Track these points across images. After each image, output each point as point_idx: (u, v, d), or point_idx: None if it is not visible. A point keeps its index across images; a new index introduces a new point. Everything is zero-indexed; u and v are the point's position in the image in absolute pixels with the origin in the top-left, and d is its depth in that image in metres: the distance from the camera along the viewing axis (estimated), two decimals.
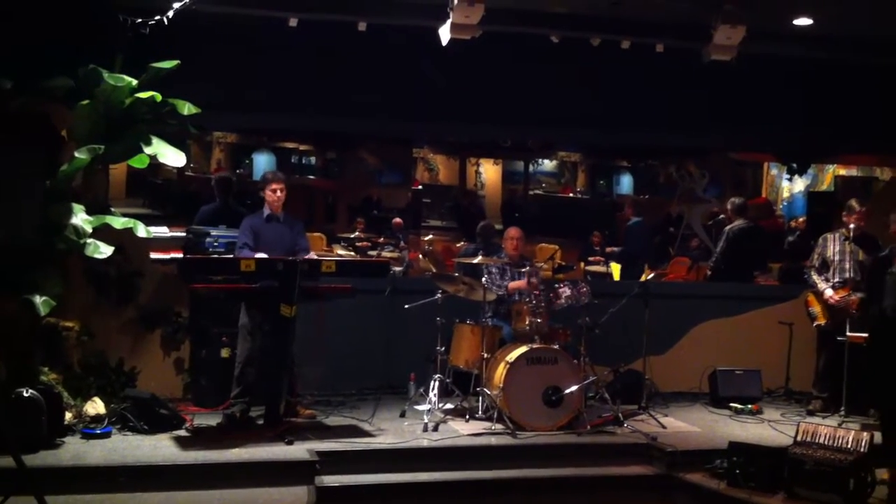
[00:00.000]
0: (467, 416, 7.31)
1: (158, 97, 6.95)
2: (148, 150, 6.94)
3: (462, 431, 7.04)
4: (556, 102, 9.33)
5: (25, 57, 7.06)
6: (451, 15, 7.59)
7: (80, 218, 6.72)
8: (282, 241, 7.10)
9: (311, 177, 21.54)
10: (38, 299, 6.43)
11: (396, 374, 8.00)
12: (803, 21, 8.44)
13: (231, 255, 7.13)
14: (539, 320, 7.43)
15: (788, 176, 17.39)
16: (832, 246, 8.19)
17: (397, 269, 10.73)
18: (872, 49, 9.05)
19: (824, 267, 8.20)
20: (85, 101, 6.87)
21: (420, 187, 22.69)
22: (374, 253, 11.83)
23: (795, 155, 14.01)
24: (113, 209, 7.54)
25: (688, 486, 6.56)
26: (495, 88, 9.11)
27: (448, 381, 7.57)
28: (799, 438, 6.47)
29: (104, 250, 6.73)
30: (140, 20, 7.36)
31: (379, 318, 8.01)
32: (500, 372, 7.21)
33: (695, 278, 11.96)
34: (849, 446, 6.23)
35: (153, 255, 7.75)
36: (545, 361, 7.25)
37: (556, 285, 7.79)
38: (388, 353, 7.99)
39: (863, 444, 6.23)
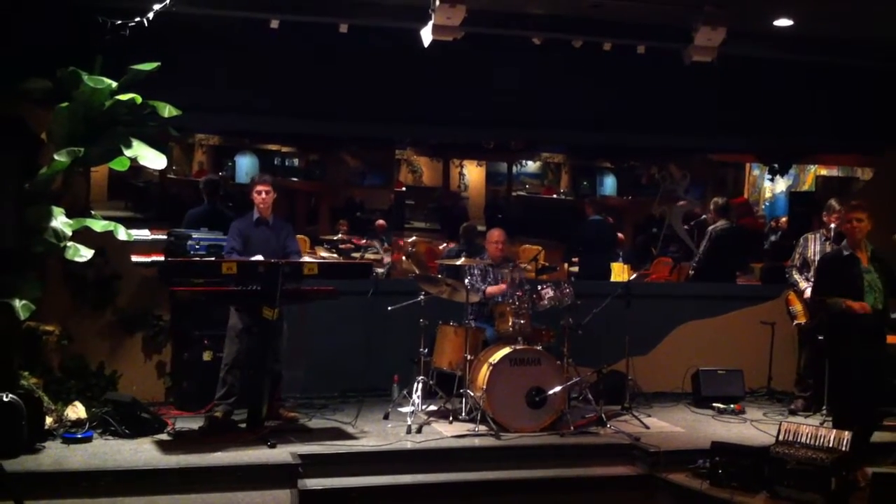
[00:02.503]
0: (451, 418, 7.31)
1: (139, 99, 6.90)
2: (128, 153, 6.88)
3: (445, 433, 7.03)
4: (538, 104, 9.32)
5: (3, 59, 7.00)
6: (432, 16, 7.57)
7: (60, 221, 6.67)
8: (268, 246, 7.07)
9: (294, 178, 21.43)
10: (17, 303, 6.38)
11: (379, 376, 7.98)
12: (783, 22, 8.47)
13: (213, 258, 7.09)
14: (522, 321, 7.43)
15: (770, 176, 17.45)
16: (813, 246, 8.23)
17: (380, 270, 10.71)
18: (852, 50, 9.11)
19: (805, 266, 8.24)
20: (64, 104, 6.82)
21: (403, 189, 22.63)
22: (357, 255, 11.80)
23: (776, 156, 14.06)
24: (94, 212, 7.50)
25: (671, 486, 6.59)
26: (478, 90, 9.11)
27: (431, 382, 7.57)
28: (781, 438, 6.51)
29: (84, 253, 6.68)
30: (120, 22, 7.30)
31: (362, 320, 7.99)
32: (484, 373, 7.21)
33: (677, 279, 12.00)
34: (830, 445, 6.27)
35: (134, 258, 7.72)
36: (528, 363, 7.26)
37: (539, 286, 7.80)
38: (371, 355, 7.97)
39: (844, 443, 6.27)
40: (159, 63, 6.97)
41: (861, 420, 6.63)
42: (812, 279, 8.08)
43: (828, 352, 7.30)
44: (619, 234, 12.84)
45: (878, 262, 6.68)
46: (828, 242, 8.13)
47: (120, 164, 7.09)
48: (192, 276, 6.83)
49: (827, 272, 6.91)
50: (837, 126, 10.04)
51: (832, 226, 8.09)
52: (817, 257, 8.13)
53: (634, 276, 9.32)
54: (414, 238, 13.41)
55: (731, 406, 8.20)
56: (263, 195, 7.17)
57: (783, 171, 15.87)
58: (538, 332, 7.57)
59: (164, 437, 6.72)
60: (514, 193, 25.29)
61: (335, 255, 11.72)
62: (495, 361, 7.18)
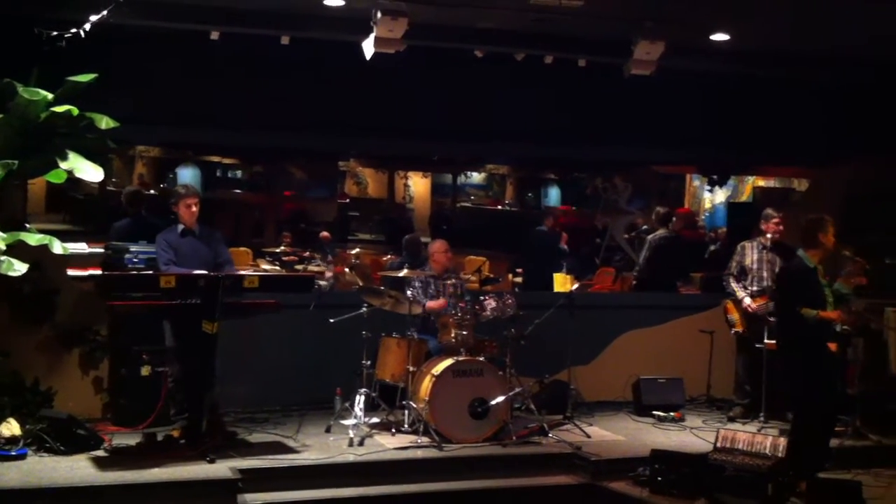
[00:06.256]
0: (393, 430, 7.30)
1: (75, 111, 6.80)
2: (64, 165, 6.77)
3: (388, 445, 7.02)
4: (482, 116, 9.39)
5: None
6: (374, 29, 7.59)
7: None
8: (199, 256, 7.01)
9: (238, 190, 21.31)
10: None
11: (322, 388, 7.92)
12: (720, 37, 8.64)
13: (151, 272, 7.00)
14: (465, 333, 7.45)
15: (709, 188, 17.81)
16: (750, 254, 8.36)
17: (323, 283, 10.66)
18: (787, 64, 9.32)
19: (742, 275, 8.37)
20: None
21: (347, 201, 22.61)
22: (300, 267, 11.75)
23: (715, 167, 14.33)
24: (30, 225, 7.36)
25: (612, 495, 6.65)
26: (422, 103, 9.14)
27: (374, 394, 7.54)
28: (718, 445, 6.63)
29: (18, 268, 6.54)
30: (56, 33, 7.19)
31: (304, 333, 7.96)
32: (427, 385, 7.22)
33: (620, 288, 12.13)
34: (766, 452, 6.41)
35: (71, 272, 7.58)
36: (471, 374, 7.28)
37: (482, 297, 7.83)
38: (313, 367, 7.94)
39: (780, 449, 6.40)
40: (96, 74, 6.89)
41: (821, 429, 6.75)
42: (750, 287, 8.24)
43: (787, 363, 7.29)
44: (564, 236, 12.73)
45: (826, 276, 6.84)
46: (765, 251, 8.29)
47: (56, 177, 6.97)
48: (130, 290, 6.72)
49: (800, 285, 6.84)
50: (775, 139, 10.26)
51: (769, 234, 8.26)
52: (755, 266, 8.29)
53: (577, 286, 9.40)
54: (357, 250, 13.38)
55: (672, 414, 8.29)
56: (194, 209, 7.13)
57: (722, 182, 16.19)
58: (481, 343, 7.60)
59: (101, 453, 6.61)
60: (459, 205, 25.42)
61: (278, 268, 11.65)
62: (438, 373, 7.19)
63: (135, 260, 7.21)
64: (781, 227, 8.24)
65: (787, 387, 7.19)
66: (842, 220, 9.17)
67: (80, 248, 7.78)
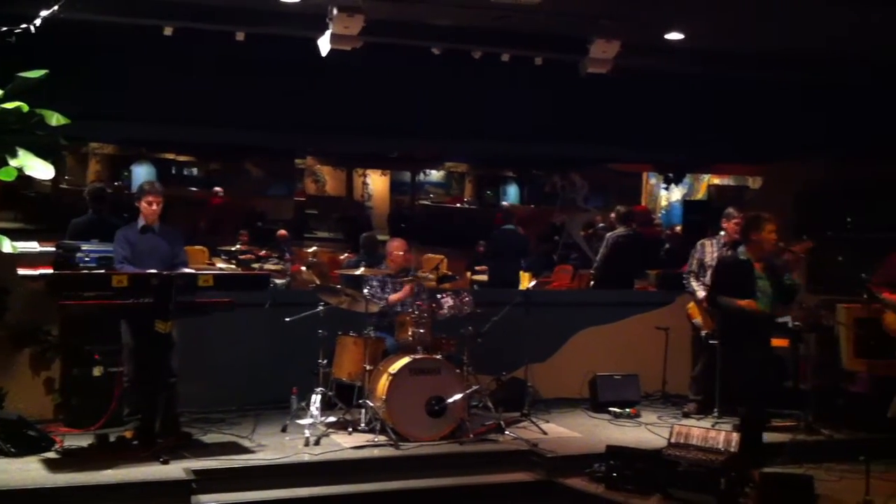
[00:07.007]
0: (350, 429, 7.26)
1: (25, 107, 6.67)
2: (14, 163, 6.63)
3: (344, 444, 6.99)
4: (441, 114, 9.39)
5: None
6: (330, 25, 7.56)
7: None
8: (157, 253, 6.94)
9: (193, 188, 21.11)
10: None
11: (278, 388, 7.84)
12: (675, 35, 8.71)
13: (103, 270, 6.90)
14: (422, 331, 7.44)
15: (665, 185, 18.00)
16: (710, 251, 8.45)
17: (280, 281, 10.60)
18: (742, 63, 9.43)
19: (702, 271, 8.45)
20: None
21: (305, 199, 22.49)
22: (257, 265, 11.66)
23: (672, 165, 14.48)
24: None
25: (568, 491, 6.68)
26: (381, 100, 9.12)
27: (331, 393, 7.50)
28: (673, 440, 6.68)
29: None
30: (6, 28, 7.06)
31: (261, 332, 7.89)
32: (384, 383, 7.19)
33: (578, 286, 12.20)
34: (720, 447, 6.46)
35: (21, 271, 7.45)
36: (428, 372, 7.27)
37: (439, 295, 7.83)
38: (270, 367, 7.87)
39: (733, 444, 6.46)
40: (47, 70, 6.77)
41: (754, 421, 6.87)
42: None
43: (722, 353, 7.52)
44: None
45: (769, 270, 6.94)
46: (725, 248, 8.38)
47: (6, 175, 6.82)
48: (82, 289, 6.62)
49: (725, 275, 7.11)
50: (733, 137, 10.39)
51: (721, 233, 8.37)
52: (715, 263, 8.36)
53: (534, 283, 9.44)
54: (315, 248, 13.31)
55: (627, 410, 8.34)
56: (155, 207, 7.05)
57: (678, 180, 16.37)
58: (438, 341, 7.59)
59: (52, 455, 6.50)
60: (418, 202, 25.42)
61: (234, 266, 11.55)
62: (395, 371, 7.17)
63: (86, 259, 7.11)
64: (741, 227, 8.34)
65: (732, 380, 7.34)
66: (795, 218, 9.37)
67: (31, 246, 7.65)
